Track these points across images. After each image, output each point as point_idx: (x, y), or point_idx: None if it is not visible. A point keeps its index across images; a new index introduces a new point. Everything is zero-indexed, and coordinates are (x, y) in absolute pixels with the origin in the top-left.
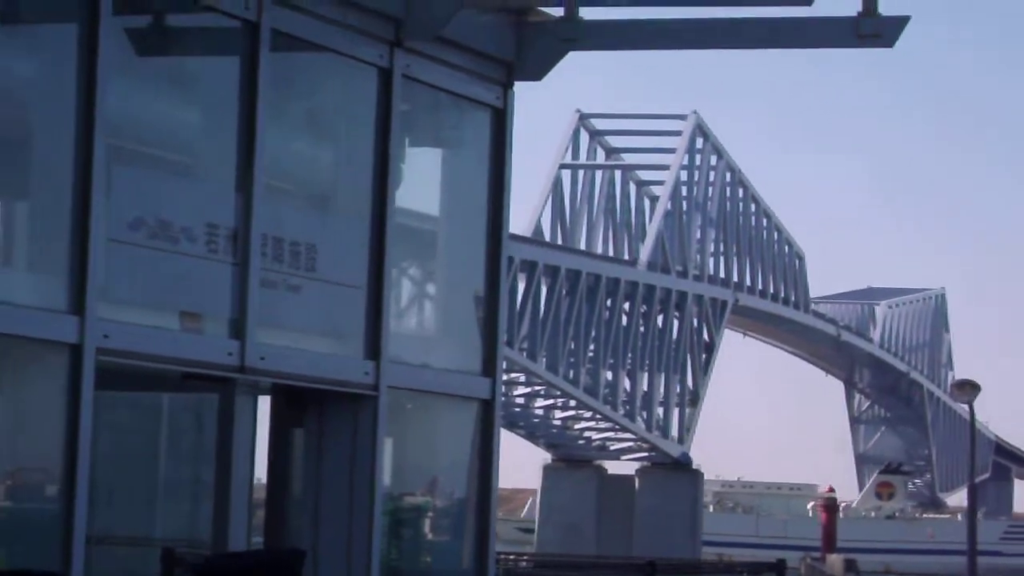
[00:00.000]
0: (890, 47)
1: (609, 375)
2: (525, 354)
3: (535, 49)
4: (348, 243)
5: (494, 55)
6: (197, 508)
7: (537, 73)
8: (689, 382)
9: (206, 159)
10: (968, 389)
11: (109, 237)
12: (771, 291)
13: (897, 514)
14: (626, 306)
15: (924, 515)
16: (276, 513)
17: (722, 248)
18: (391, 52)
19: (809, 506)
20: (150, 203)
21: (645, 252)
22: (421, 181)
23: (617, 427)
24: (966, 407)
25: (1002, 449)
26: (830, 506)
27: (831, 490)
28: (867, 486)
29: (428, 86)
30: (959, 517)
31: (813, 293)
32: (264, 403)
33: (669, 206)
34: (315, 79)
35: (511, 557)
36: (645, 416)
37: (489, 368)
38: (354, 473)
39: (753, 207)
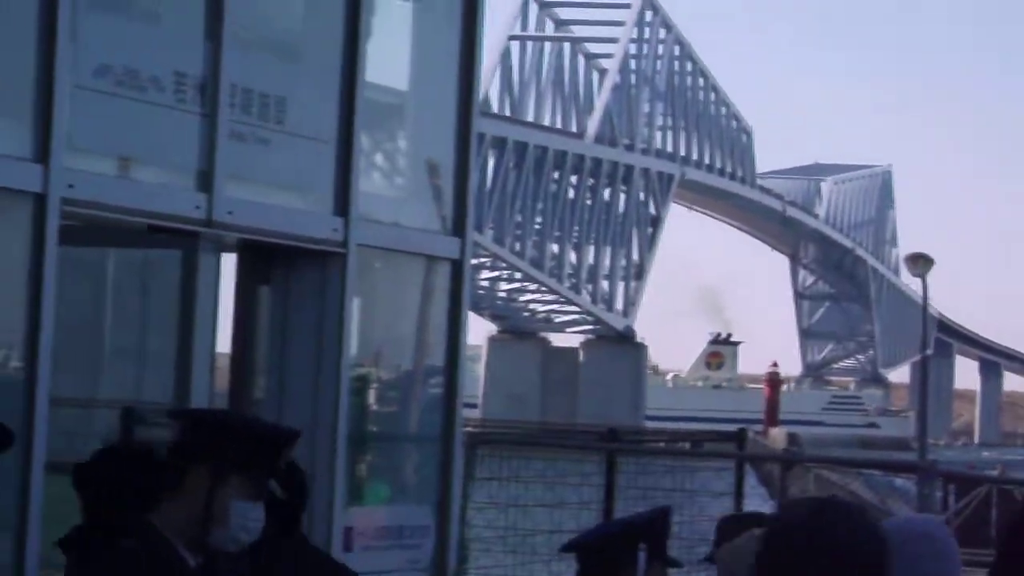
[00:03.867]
0: None
1: (555, 248)
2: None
3: None
4: (318, 96)
5: None
6: (153, 370)
7: None
8: (635, 255)
9: (175, 6)
10: (921, 263)
11: (74, 84)
12: (718, 166)
13: (724, 383)
14: (573, 179)
15: (750, 385)
16: (240, 374)
17: (670, 122)
18: None
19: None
20: (117, 50)
21: (593, 125)
22: (391, 32)
23: (562, 300)
24: (910, 284)
25: (944, 326)
26: (773, 381)
27: (774, 365)
28: (699, 355)
29: None
30: (791, 387)
31: (760, 168)
32: (229, 261)
33: (618, 79)
34: None
35: (467, 425)
36: (590, 289)
37: (459, 228)
38: (322, 333)
39: (701, 81)
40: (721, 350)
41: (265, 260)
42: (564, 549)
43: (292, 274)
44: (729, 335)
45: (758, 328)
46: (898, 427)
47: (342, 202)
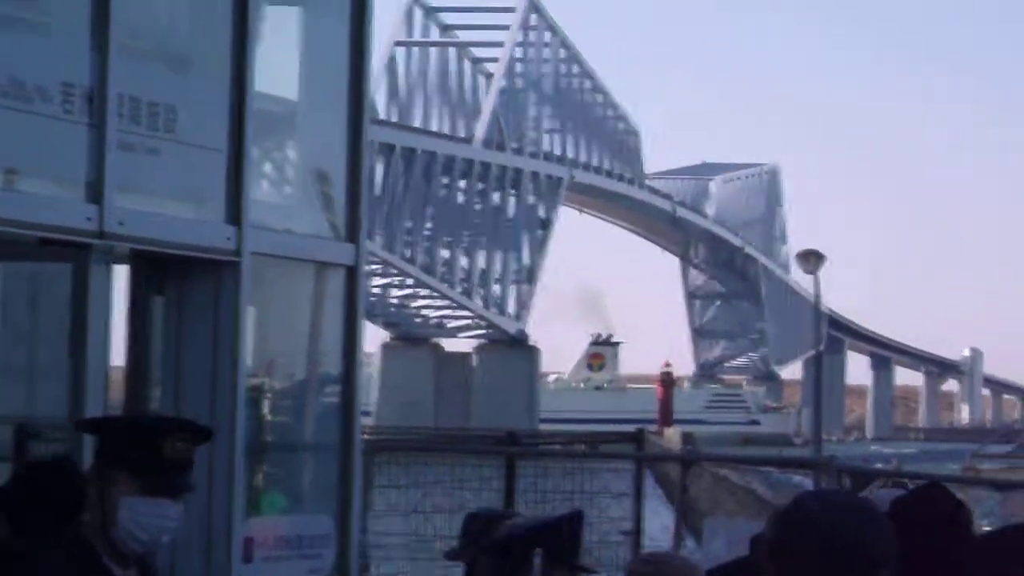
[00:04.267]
0: None
1: (446, 253)
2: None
3: None
4: (208, 104)
5: None
6: (46, 385)
7: None
8: (526, 259)
9: (60, 15)
10: (812, 259)
11: None
12: (606, 167)
13: (606, 385)
14: (462, 184)
15: (631, 386)
16: (135, 387)
17: (557, 125)
18: None
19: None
20: (2, 61)
21: (480, 129)
22: (280, 39)
23: (454, 305)
24: (800, 281)
25: (835, 322)
26: (667, 381)
27: (667, 365)
28: (580, 356)
29: None
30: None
31: (648, 169)
32: (121, 273)
33: (504, 83)
34: None
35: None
36: (482, 294)
37: (353, 234)
38: (217, 345)
39: (588, 84)
40: (602, 351)
41: (158, 271)
42: (448, 556)
43: (186, 284)
44: (610, 336)
45: (650, 328)
46: (780, 423)
47: (234, 211)
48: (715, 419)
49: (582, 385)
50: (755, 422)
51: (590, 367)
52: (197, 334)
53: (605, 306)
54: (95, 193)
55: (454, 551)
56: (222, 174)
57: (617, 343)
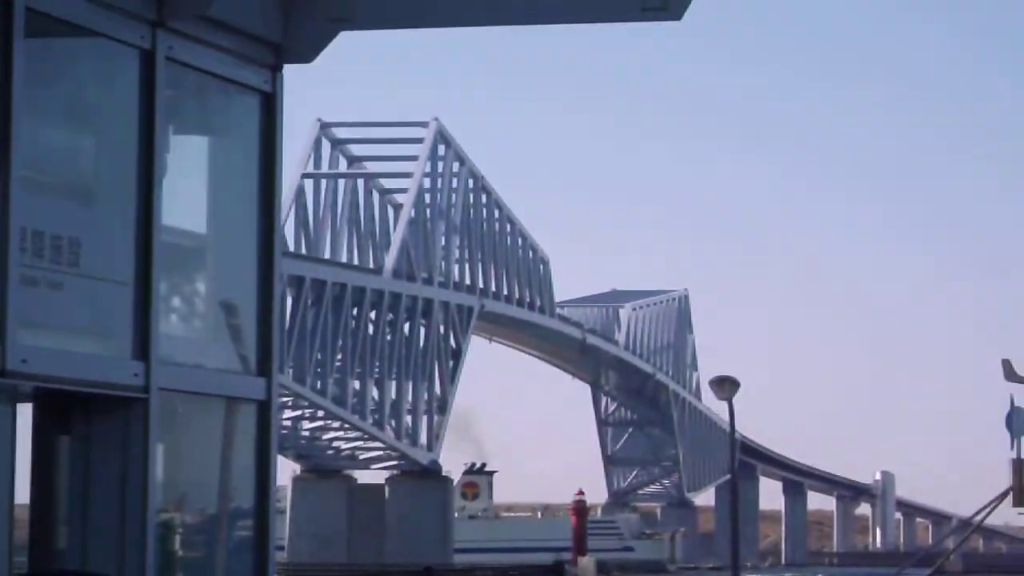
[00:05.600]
0: (678, 20)
1: (357, 384)
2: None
3: (304, 29)
4: (113, 236)
5: (262, 36)
6: None
7: (307, 55)
8: (437, 389)
9: None
10: (727, 386)
11: None
12: (517, 296)
13: (480, 513)
14: (372, 315)
15: (513, 513)
16: (41, 530)
17: (467, 255)
18: (153, 33)
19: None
20: None
21: (390, 260)
22: (188, 171)
23: (366, 436)
24: (711, 407)
25: (747, 447)
26: (580, 509)
27: (580, 493)
28: (455, 484)
29: (193, 69)
30: (537, 514)
31: (558, 297)
32: (24, 412)
33: (413, 213)
34: (74, 63)
35: (277, 570)
36: (394, 424)
37: (264, 368)
38: (126, 483)
39: (497, 213)
40: (476, 480)
41: (64, 408)
42: None
43: (92, 422)
44: (483, 464)
45: (564, 455)
46: (654, 550)
47: (142, 345)
48: (590, 546)
49: (456, 514)
50: (629, 548)
51: (464, 496)
52: (105, 472)
53: (477, 429)
54: None
55: None
56: (128, 308)
57: (491, 472)
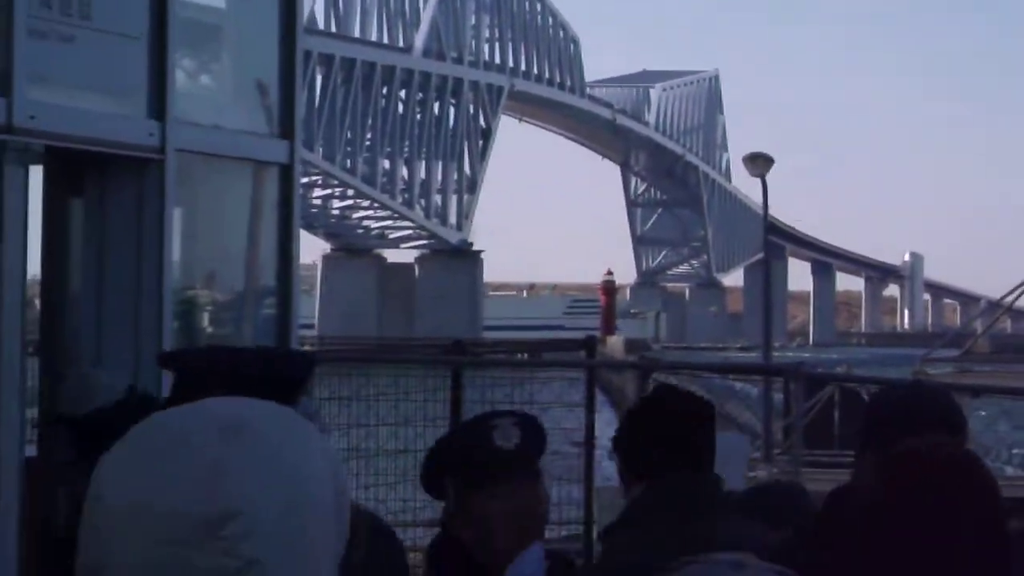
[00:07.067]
0: None
1: (387, 164)
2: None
3: None
4: None
5: None
6: None
7: None
8: (467, 169)
9: None
10: (761, 162)
11: None
12: (547, 76)
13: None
14: (402, 94)
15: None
16: (52, 295)
17: (497, 33)
18: None
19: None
20: None
21: (420, 39)
22: None
23: (396, 215)
24: (740, 188)
25: (775, 228)
26: (609, 289)
27: (609, 273)
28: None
29: None
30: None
31: (588, 77)
32: (36, 174)
33: None
34: None
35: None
36: (424, 204)
37: (287, 130)
38: (141, 248)
39: None
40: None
41: (76, 169)
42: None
43: (106, 184)
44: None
45: (592, 235)
46: (638, 329)
47: (158, 104)
48: (572, 325)
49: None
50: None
51: None
52: (120, 237)
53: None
54: (3, 84)
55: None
56: (144, 64)
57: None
